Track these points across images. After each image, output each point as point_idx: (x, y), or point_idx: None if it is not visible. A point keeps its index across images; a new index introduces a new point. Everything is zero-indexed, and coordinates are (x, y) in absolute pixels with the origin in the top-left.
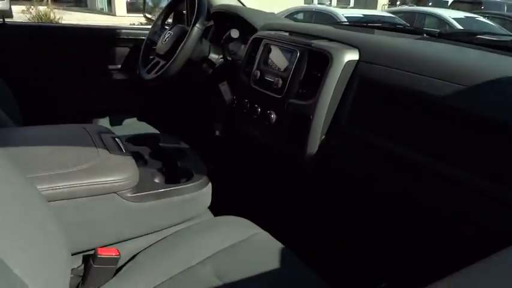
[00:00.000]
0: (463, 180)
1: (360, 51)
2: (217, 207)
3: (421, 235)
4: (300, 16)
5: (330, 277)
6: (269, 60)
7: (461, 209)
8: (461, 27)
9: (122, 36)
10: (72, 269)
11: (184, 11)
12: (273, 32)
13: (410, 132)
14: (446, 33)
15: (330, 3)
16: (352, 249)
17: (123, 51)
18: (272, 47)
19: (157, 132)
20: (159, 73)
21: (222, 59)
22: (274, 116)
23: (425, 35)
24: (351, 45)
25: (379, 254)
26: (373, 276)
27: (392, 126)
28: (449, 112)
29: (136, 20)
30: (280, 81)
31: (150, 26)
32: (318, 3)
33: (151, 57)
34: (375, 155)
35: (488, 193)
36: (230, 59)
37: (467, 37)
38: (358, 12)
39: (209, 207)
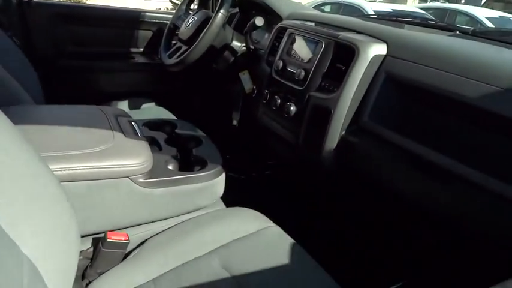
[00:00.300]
0: (489, 187)
1: (388, 45)
2: (230, 198)
3: (437, 238)
4: (327, 8)
5: (339, 275)
6: (292, 51)
7: (487, 215)
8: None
9: (145, 20)
10: (81, 251)
11: None
12: (298, 22)
13: (436, 133)
14: (480, 31)
15: None
16: (363, 248)
17: (146, 34)
18: (296, 37)
19: (175, 118)
20: (180, 58)
21: (245, 47)
22: (294, 108)
23: (458, 32)
24: (379, 38)
25: (391, 254)
26: (382, 276)
27: (416, 126)
28: (482, 114)
29: (163, 5)
30: (303, 73)
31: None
32: None
33: (173, 42)
34: (395, 154)
35: None
36: (253, 47)
37: (502, 36)
38: (387, 7)
39: (222, 197)
